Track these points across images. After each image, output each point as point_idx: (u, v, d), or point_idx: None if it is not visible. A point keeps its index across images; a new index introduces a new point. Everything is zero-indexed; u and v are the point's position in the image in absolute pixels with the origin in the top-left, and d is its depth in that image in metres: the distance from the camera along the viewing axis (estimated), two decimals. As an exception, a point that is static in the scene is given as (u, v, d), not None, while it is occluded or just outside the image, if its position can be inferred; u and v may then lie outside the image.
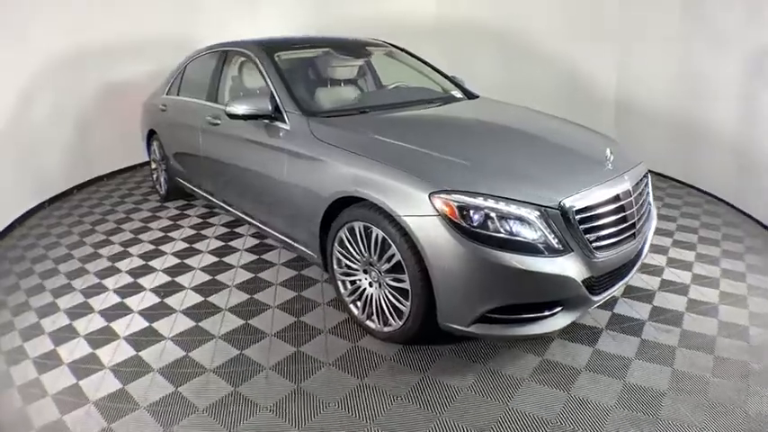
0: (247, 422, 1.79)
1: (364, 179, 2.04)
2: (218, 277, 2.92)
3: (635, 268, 2.27)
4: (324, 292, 2.69)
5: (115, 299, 2.74)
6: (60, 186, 4.65)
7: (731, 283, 2.70)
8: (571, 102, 5.01)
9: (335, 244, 2.27)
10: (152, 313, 2.56)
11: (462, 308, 1.87)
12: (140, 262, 3.18)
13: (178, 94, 3.90)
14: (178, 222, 3.85)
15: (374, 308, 2.19)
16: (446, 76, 3.45)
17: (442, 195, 1.84)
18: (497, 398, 1.87)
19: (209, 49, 3.64)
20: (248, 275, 2.93)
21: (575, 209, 1.89)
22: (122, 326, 2.46)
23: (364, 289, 2.23)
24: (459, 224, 1.81)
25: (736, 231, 3.43)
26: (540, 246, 1.82)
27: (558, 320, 1.90)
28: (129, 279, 2.96)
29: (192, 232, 3.64)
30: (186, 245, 3.42)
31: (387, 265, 2.05)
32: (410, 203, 1.89)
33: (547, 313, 1.89)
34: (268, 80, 2.75)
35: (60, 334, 2.42)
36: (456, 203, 1.82)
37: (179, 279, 2.92)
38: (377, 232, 2.04)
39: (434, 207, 1.83)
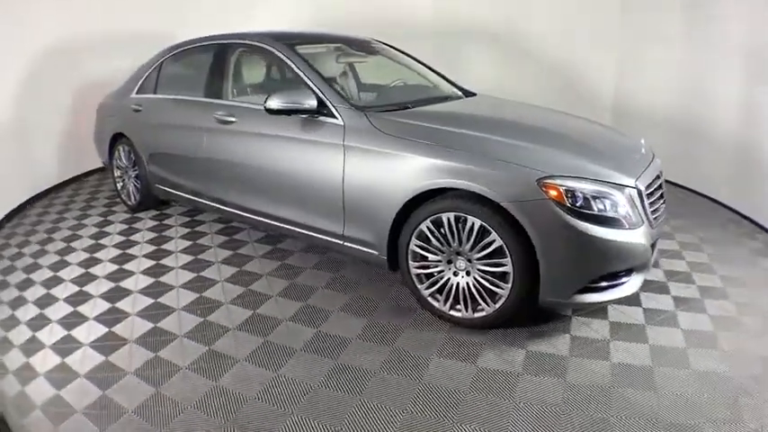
0: (396, 428, 1.75)
1: (460, 170, 2.10)
2: (253, 287, 2.73)
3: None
4: (383, 291, 2.66)
5: (146, 325, 2.42)
6: (20, 197, 4.09)
7: (712, 246, 3.23)
8: (567, 103, 4.76)
9: (413, 238, 2.28)
10: (202, 335, 2.32)
11: (567, 282, 2.04)
12: (149, 279, 2.84)
13: (155, 93, 3.50)
14: (164, 234, 3.48)
15: (461, 297, 2.25)
16: (441, 75, 3.53)
17: (549, 180, 1.98)
18: (598, 357, 2.09)
19: (194, 43, 3.34)
20: (284, 283, 2.78)
21: (644, 187, 2.15)
22: (177, 355, 2.18)
23: (447, 280, 2.28)
24: (567, 205, 1.96)
25: (699, 208, 4.02)
26: (625, 220, 2.05)
27: (635, 283, 2.17)
28: (147, 300, 2.63)
29: (187, 243, 3.32)
30: (190, 257, 3.12)
31: (480, 253, 2.13)
32: (517, 190, 2.00)
33: (626, 279, 2.14)
34: (303, 75, 2.63)
35: (99, 374, 2.08)
36: (563, 187, 1.98)
37: (208, 294, 2.68)
38: (473, 221, 2.10)
39: (543, 192, 1.97)
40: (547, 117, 2.88)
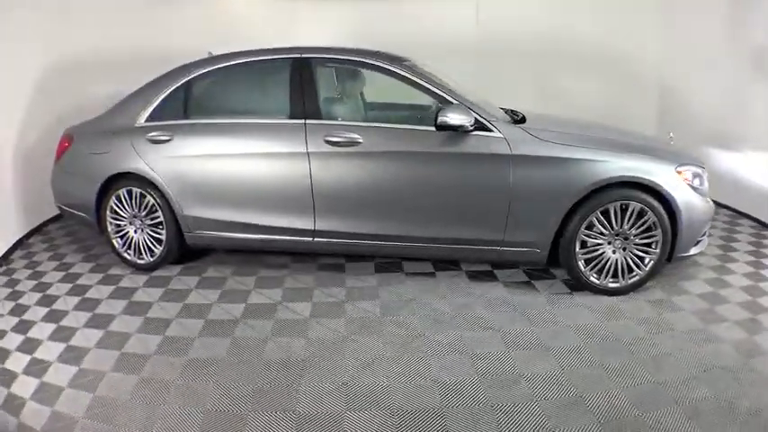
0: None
1: (633, 166, 2.58)
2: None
3: None
4: (541, 286, 2.89)
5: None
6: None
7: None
8: (612, 118, 4.29)
9: (582, 228, 2.66)
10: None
11: (690, 240, 2.76)
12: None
13: (186, 118, 2.80)
14: (236, 288, 2.80)
15: (618, 269, 2.73)
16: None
17: (680, 168, 2.68)
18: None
19: (246, 56, 2.87)
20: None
21: (706, 171, 3.08)
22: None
23: (607, 259, 2.72)
24: (690, 185, 2.70)
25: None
26: (705, 193, 2.91)
27: (707, 239, 3.06)
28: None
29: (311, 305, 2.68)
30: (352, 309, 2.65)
31: (638, 230, 2.67)
32: (666, 177, 2.62)
33: (707, 234, 3.01)
34: (442, 93, 2.70)
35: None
36: (689, 171, 2.71)
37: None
38: (634, 205, 2.63)
39: (679, 176, 2.66)
40: (600, 126, 3.37)
